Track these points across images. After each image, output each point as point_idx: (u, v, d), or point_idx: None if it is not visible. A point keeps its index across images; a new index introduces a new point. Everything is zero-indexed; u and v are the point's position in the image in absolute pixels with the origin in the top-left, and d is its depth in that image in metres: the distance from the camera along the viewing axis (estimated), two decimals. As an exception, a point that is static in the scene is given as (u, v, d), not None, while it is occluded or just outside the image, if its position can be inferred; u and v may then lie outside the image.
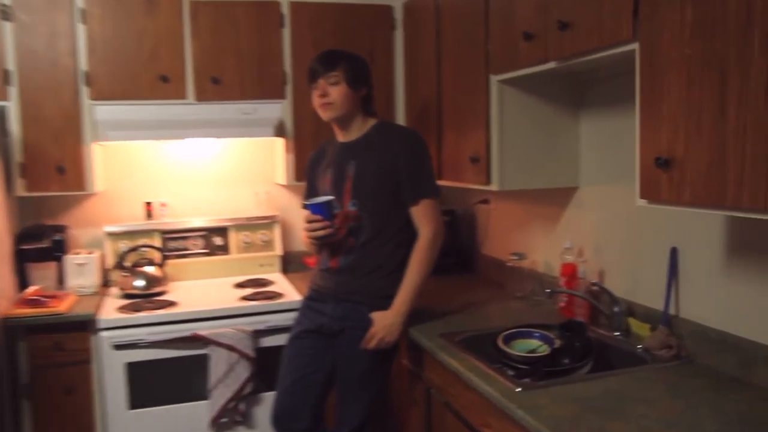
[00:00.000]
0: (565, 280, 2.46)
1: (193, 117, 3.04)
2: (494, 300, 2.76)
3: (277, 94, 3.17)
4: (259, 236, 3.42)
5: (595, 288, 2.36)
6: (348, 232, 2.32)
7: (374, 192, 2.32)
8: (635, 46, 1.67)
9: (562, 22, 1.92)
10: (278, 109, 3.17)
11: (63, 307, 2.73)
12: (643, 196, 1.67)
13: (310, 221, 2.29)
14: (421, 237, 2.33)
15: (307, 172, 2.60)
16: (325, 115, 2.38)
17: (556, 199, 2.66)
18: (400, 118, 3.30)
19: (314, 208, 2.28)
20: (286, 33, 3.16)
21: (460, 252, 3.38)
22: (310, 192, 2.54)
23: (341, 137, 2.45)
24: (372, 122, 2.43)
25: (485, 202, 3.21)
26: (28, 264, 3.02)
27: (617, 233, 2.35)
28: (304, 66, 3.10)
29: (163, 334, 2.75)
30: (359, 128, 2.41)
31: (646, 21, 1.61)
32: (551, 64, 2.05)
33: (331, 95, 2.33)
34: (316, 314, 2.42)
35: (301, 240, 2.56)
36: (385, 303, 2.31)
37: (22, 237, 2.99)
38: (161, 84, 2.99)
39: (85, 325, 2.74)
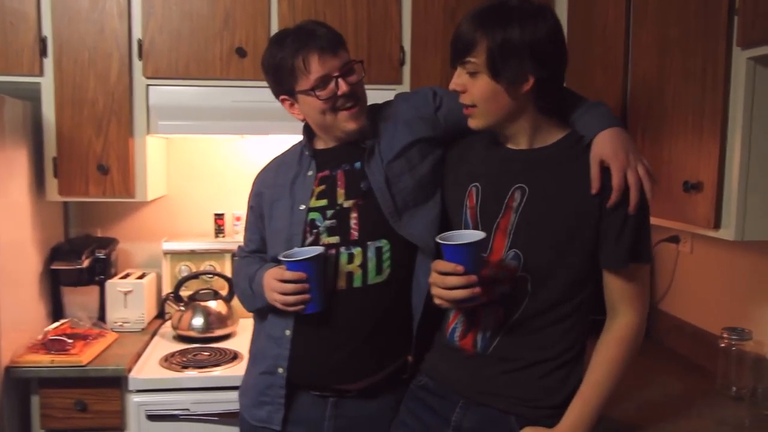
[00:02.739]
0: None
1: (279, 105, 2.26)
2: (698, 398, 1.80)
3: (390, 77, 2.34)
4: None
5: None
6: (498, 300, 1.44)
7: (553, 241, 1.42)
8: None
9: None
10: (392, 98, 2.36)
11: (86, 355, 2.04)
12: None
13: (442, 271, 1.38)
14: (619, 322, 1.41)
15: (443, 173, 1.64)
16: None
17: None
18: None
19: (452, 251, 1.35)
20: (407, -6, 2.34)
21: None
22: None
23: (510, 141, 1.51)
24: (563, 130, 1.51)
25: (674, 240, 2.26)
26: (63, 288, 2.37)
27: None
28: (429, 40, 2.33)
29: (217, 404, 2.00)
30: (541, 133, 1.48)
31: None
32: None
33: None
34: (432, 416, 1.54)
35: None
36: (548, 416, 1.42)
37: (56, 254, 2.33)
38: (237, 59, 2.24)
39: (117, 381, 2.04)
